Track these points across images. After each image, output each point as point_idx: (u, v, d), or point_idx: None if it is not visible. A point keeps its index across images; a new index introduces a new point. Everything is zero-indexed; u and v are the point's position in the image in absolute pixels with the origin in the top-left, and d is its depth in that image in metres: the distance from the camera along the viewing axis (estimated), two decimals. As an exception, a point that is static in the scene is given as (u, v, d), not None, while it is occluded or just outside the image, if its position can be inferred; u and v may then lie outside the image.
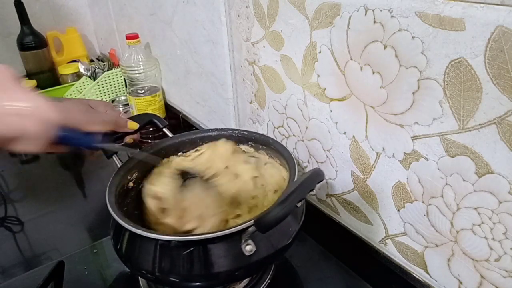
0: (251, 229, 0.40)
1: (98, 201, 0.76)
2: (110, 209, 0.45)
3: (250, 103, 0.69)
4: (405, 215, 0.47)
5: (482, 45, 0.33)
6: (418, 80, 0.39)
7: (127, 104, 1.03)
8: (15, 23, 1.17)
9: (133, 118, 0.58)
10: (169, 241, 0.42)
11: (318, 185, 0.60)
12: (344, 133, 0.51)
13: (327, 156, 0.56)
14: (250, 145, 0.61)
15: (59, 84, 1.24)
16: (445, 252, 0.43)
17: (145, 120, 0.60)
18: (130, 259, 0.45)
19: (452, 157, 0.39)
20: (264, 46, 0.59)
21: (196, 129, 0.91)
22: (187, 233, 0.51)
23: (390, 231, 0.50)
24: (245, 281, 0.53)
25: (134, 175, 0.56)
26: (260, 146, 0.60)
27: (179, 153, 0.64)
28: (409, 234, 0.47)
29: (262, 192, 0.57)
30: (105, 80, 1.11)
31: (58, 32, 1.29)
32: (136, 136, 0.60)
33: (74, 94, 1.11)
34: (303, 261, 0.58)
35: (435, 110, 0.38)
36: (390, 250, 0.51)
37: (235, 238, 0.42)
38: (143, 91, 0.96)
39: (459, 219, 0.40)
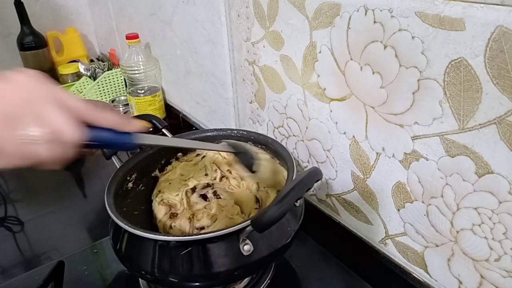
0: (248, 228, 0.40)
1: (98, 201, 0.76)
2: (108, 210, 0.45)
3: (250, 103, 0.69)
4: (405, 215, 0.47)
5: (482, 45, 0.32)
6: (418, 80, 0.39)
7: (127, 104, 1.03)
8: (15, 23, 1.17)
9: None
10: (168, 242, 0.42)
11: (318, 185, 0.60)
12: (344, 133, 0.51)
13: (327, 156, 0.56)
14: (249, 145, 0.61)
15: (59, 84, 1.24)
16: (445, 252, 0.43)
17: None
18: (130, 260, 0.45)
19: (452, 157, 0.39)
20: (264, 46, 0.59)
21: (196, 129, 0.91)
22: (200, 229, 0.52)
23: (390, 231, 0.50)
24: (245, 281, 0.53)
25: (133, 176, 0.56)
26: (259, 146, 0.60)
27: (179, 154, 0.64)
28: (409, 234, 0.47)
29: (265, 194, 0.58)
30: (105, 80, 1.11)
31: (58, 32, 1.29)
32: None
33: (74, 94, 1.11)
34: (303, 261, 0.58)
35: (435, 110, 0.38)
36: (390, 250, 0.51)
37: (233, 238, 0.42)
38: (143, 91, 0.96)
39: (459, 219, 0.40)
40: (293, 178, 0.48)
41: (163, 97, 1.03)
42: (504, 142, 0.34)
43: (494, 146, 0.35)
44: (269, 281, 0.54)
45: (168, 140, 0.52)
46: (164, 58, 0.97)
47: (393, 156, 0.45)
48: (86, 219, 0.72)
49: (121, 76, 1.12)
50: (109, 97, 1.12)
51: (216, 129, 0.62)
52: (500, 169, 0.35)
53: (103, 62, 1.25)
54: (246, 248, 0.41)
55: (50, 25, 1.30)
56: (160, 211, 0.57)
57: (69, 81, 1.23)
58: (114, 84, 1.13)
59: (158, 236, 0.42)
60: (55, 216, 0.73)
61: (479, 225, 0.38)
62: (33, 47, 1.20)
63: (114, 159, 0.55)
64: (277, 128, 0.64)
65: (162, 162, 0.61)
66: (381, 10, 0.40)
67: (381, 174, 0.48)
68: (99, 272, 0.59)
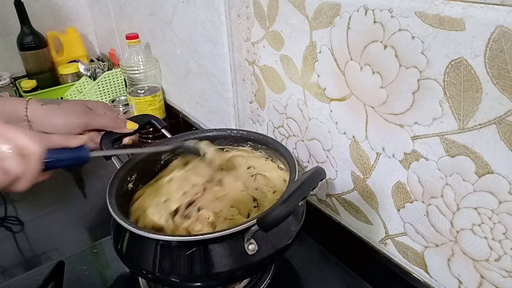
0: (254, 228, 0.40)
1: (98, 201, 0.76)
2: (111, 210, 0.45)
3: (250, 103, 0.69)
4: (405, 215, 0.47)
5: (482, 45, 0.33)
6: (418, 80, 0.39)
7: (127, 104, 1.03)
8: (15, 23, 1.17)
9: (132, 119, 0.58)
10: (170, 241, 0.42)
11: (318, 185, 0.60)
12: (344, 133, 0.51)
13: (327, 156, 0.56)
14: (249, 145, 0.61)
15: (59, 84, 1.24)
16: (445, 252, 0.43)
17: (143, 121, 0.60)
18: (131, 260, 0.45)
19: (452, 157, 0.39)
20: (264, 46, 0.59)
21: (196, 129, 0.91)
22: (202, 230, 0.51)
23: (390, 231, 0.50)
24: (245, 281, 0.53)
25: (133, 177, 0.56)
26: (259, 146, 0.60)
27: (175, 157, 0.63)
28: (409, 234, 0.47)
29: (261, 194, 0.58)
30: (105, 80, 1.11)
31: (58, 32, 1.29)
32: (134, 137, 0.60)
33: (74, 94, 1.11)
34: (303, 261, 0.58)
35: (435, 110, 0.38)
36: (390, 250, 0.51)
37: (237, 237, 0.42)
38: (143, 91, 0.96)
39: (459, 219, 0.40)
40: (295, 178, 0.48)
41: (163, 97, 1.03)
42: (504, 142, 0.34)
43: (494, 146, 0.35)
44: (269, 281, 0.54)
45: (114, 150, 0.56)
46: (164, 58, 0.97)
47: (393, 156, 0.45)
48: (86, 219, 0.72)
49: (121, 76, 1.12)
50: (109, 97, 1.12)
51: (215, 129, 0.62)
52: (500, 169, 0.35)
53: (103, 62, 1.25)
54: (251, 247, 0.41)
55: (50, 25, 1.30)
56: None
57: (69, 81, 1.23)
58: (114, 84, 1.13)
59: (160, 236, 0.42)
60: (55, 216, 0.73)
61: (479, 225, 0.38)
62: (33, 47, 1.19)
63: (113, 159, 0.55)
64: (277, 128, 0.64)
65: (162, 162, 0.61)
66: (381, 10, 0.40)
67: (381, 174, 0.48)
68: (99, 272, 0.59)
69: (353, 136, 0.50)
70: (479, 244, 0.39)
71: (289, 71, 0.56)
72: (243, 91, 0.70)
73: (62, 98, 1.14)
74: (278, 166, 0.59)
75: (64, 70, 1.23)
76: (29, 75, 1.23)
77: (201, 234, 0.41)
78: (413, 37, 0.38)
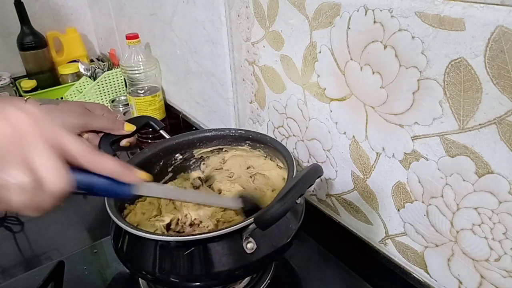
0: (252, 226, 0.40)
1: (98, 201, 0.76)
2: (109, 212, 0.45)
3: (250, 103, 0.69)
4: (405, 215, 0.47)
5: (482, 45, 0.32)
6: (418, 80, 0.39)
7: (127, 104, 1.03)
8: (15, 23, 1.17)
9: (130, 121, 0.58)
10: (169, 242, 0.42)
11: (318, 185, 0.60)
12: (344, 133, 0.51)
13: (327, 156, 0.56)
14: (247, 144, 0.61)
15: (59, 84, 1.24)
16: (445, 252, 0.43)
17: (141, 123, 0.60)
18: (131, 260, 0.45)
19: (452, 157, 0.39)
20: (264, 46, 0.59)
21: (196, 129, 0.91)
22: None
23: (390, 231, 0.50)
24: (245, 281, 0.53)
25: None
26: (258, 145, 0.60)
27: (176, 154, 0.63)
28: (409, 234, 0.47)
29: (261, 193, 0.58)
30: (105, 80, 1.11)
31: (58, 32, 1.29)
32: (132, 139, 0.60)
33: (74, 94, 1.11)
34: (303, 261, 0.58)
35: (435, 110, 0.38)
36: (390, 250, 0.51)
37: (235, 236, 0.42)
38: (143, 91, 0.96)
39: (459, 219, 0.40)
40: (293, 176, 0.48)
41: (163, 97, 1.03)
42: (504, 142, 0.34)
43: (494, 146, 0.35)
44: (269, 281, 0.54)
45: (169, 191, 0.46)
46: (164, 58, 0.97)
47: (393, 156, 0.45)
48: (86, 219, 0.72)
49: (121, 76, 1.12)
50: (109, 97, 1.12)
51: (215, 129, 0.62)
52: (500, 169, 0.35)
53: (103, 62, 1.25)
54: (250, 246, 0.41)
55: (50, 25, 1.30)
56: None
57: (69, 81, 1.23)
58: (114, 84, 1.13)
59: (159, 236, 0.42)
60: (55, 216, 0.73)
61: (479, 225, 0.38)
62: (33, 47, 1.19)
63: (113, 159, 0.55)
64: (277, 128, 0.64)
65: (161, 163, 0.61)
66: (381, 10, 0.40)
67: (381, 174, 0.48)
68: (99, 272, 0.59)
69: (353, 136, 0.50)
70: (479, 244, 0.39)
71: (289, 71, 0.56)
72: (243, 91, 0.70)
73: (62, 98, 1.14)
74: (277, 164, 0.59)
75: (64, 70, 1.23)
76: (29, 75, 1.23)
77: (199, 234, 0.41)
78: (413, 37, 0.38)
